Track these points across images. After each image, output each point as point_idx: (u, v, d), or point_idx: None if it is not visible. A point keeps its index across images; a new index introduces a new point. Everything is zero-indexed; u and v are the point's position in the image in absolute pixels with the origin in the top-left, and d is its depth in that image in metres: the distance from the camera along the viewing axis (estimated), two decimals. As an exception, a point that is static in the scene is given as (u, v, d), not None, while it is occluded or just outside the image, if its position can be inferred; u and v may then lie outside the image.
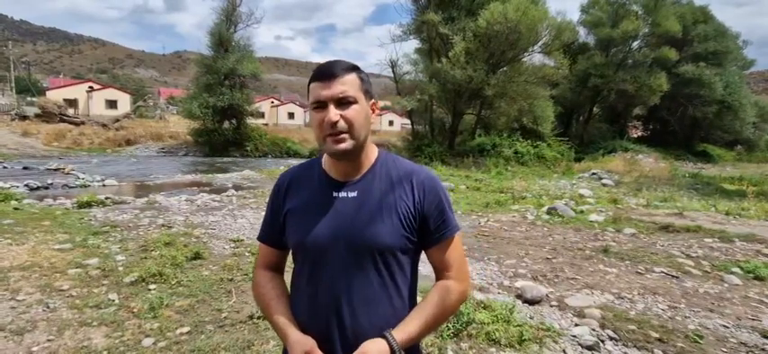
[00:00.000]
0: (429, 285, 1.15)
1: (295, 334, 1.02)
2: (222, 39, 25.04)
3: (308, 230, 1.05)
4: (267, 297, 1.12)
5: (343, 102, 0.98)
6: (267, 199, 1.21)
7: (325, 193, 1.07)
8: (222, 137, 24.83)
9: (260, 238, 1.19)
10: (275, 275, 1.18)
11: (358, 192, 1.06)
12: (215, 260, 4.49)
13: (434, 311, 1.04)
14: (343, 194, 1.06)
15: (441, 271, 1.11)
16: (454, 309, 1.10)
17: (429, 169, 1.15)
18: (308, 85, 1.03)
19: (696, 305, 3.57)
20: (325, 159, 1.12)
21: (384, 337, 0.98)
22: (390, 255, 1.03)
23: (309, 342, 0.99)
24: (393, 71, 23.97)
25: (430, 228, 1.07)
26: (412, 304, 1.10)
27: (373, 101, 1.07)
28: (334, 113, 0.97)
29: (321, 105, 0.99)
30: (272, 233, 1.16)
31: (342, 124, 0.98)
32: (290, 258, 1.20)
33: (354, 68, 1.02)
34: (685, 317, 3.33)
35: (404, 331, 1.00)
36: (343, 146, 0.99)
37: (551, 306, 3.52)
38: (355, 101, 1.00)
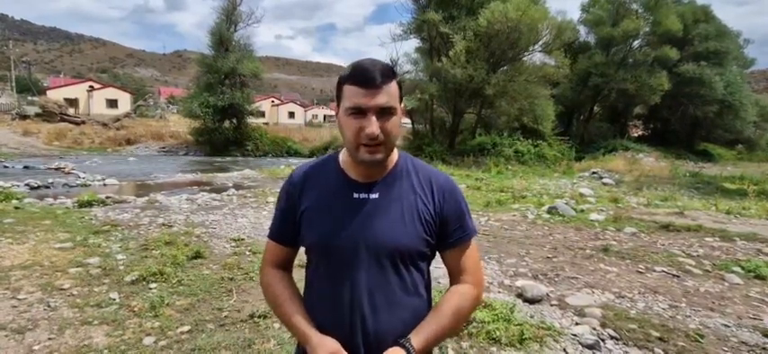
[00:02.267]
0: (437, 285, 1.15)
1: (317, 336, 1.00)
2: (223, 39, 25.05)
3: (328, 231, 1.03)
4: (281, 297, 1.09)
5: (384, 112, 0.95)
6: (277, 196, 1.18)
7: (345, 193, 1.05)
8: (222, 136, 24.85)
9: (271, 236, 1.16)
10: (286, 274, 1.15)
11: (379, 194, 1.04)
12: (215, 259, 4.49)
13: (450, 317, 1.03)
14: (363, 195, 1.04)
15: (456, 275, 1.11)
16: (469, 314, 1.10)
17: (447, 174, 1.15)
18: (342, 84, 0.98)
19: (697, 304, 3.56)
20: (343, 157, 1.10)
21: (402, 345, 0.96)
22: (410, 258, 1.03)
23: (335, 345, 0.97)
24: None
25: (448, 232, 1.08)
26: (429, 304, 1.10)
27: (402, 104, 1.05)
28: (375, 126, 0.94)
29: (361, 113, 0.95)
30: (285, 230, 1.12)
31: (381, 137, 0.95)
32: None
33: (394, 74, 0.98)
34: (686, 316, 3.33)
35: (421, 338, 0.99)
36: (377, 156, 0.98)
37: (552, 305, 3.52)
38: (395, 112, 0.97)
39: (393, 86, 0.97)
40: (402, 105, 1.05)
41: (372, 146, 0.96)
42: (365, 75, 0.94)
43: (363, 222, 1.01)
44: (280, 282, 1.12)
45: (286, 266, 1.17)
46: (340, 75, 1.00)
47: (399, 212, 1.03)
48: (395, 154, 1.09)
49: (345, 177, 1.06)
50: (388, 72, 0.97)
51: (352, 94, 0.95)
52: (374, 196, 1.03)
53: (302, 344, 1.04)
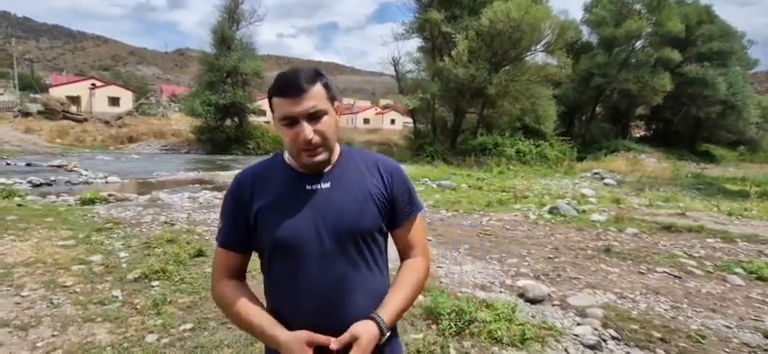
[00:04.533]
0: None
1: (285, 333, 0.99)
2: (224, 37, 25.08)
3: (287, 225, 1.03)
4: (240, 305, 1.06)
5: (314, 117, 0.99)
6: (221, 203, 1.15)
7: (298, 187, 1.06)
8: (224, 134, 24.89)
9: (223, 244, 1.10)
10: (242, 283, 1.13)
11: (330, 183, 1.07)
12: (217, 257, 4.49)
13: (410, 289, 1.11)
14: (316, 186, 1.06)
15: (407, 250, 1.18)
16: (423, 284, 1.18)
17: (389, 157, 1.22)
18: (271, 97, 1.01)
19: (698, 305, 3.56)
20: (288, 155, 1.11)
21: (372, 318, 1.01)
22: (371, 238, 1.08)
23: (303, 335, 0.97)
24: (395, 70, 23.99)
25: (398, 210, 1.14)
26: (388, 281, 1.16)
27: (337, 103, 1.07)
28: (308, 131, 0.98)
29: (292, 121, 0.99)
30: (238, 236, 1.09)
31: (316, 139, 1.00)
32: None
33: (317, 77, 1.01)
34: (688, 317, 3.33)
35: (388, 311, 1.04)
36: (318, 158, 1.02)
37: (553, 306, 3.52)
38: (325, 113, 1.00)
39: (317, 89, 1.00)
40: (337, 103, 1.06)
41: (311, 150, 1.01)
42: (288, 85, 0.99)
43: (319, 210, 1.04)
44: (236, 290, 1.08)
45: (240, 275, 1.15)
46: (269, 88, 1.04)
47: (352, 196, 1.07)
48: (337, 147, 1.12)
49: (294, 172, 1.08)
50: (311, 77, 1.00)
51: (281, 105, 1.00)
52: (326, 185, 1.07)
53: (271, 346, 1.02)
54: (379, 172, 1.12)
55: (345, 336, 0.97)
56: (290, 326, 1.01)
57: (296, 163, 1.08)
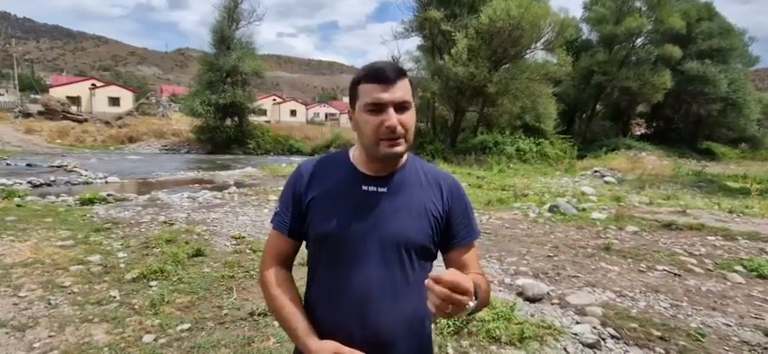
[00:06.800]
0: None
1: (316, 343, 0.99)
2: (224, 37, 25.07)
3: (336, 221, 1.04)
4: (280, 300, 1.07)
5: (401, 107, 0.99)
6: (283, 188, 1.15)
7: (354, 186, 1.06)
8: (224, 134, 24.88)
9: (276, 227, 1.12)
10: (287, 274, 1.14)
11: (388, 189, 1.06)
12: (216, 257, 4.49)
13: (484, 281, 1.03)
14: (372, 188, 1.05)
15: (462, 270, 1.08)
16: (489, 295, 1.11)
17: (454, 175, 1.19)
18: (356, 85, 1.01)
19: (698, 304, 3.55)
20: (353, 153, 1.11)
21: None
22: (416, 253, 1.05)
23: (332, 346, 0.97)
24: (395, 68, 23.87)
25: (453, 231, 1.10)
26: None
27: (415, 103, 1.08)
28: (395, 118, 0.98)
29: (379, 108, 0.98)
30: (292, 221, 1.10)
31: (400, 129, 0.99)
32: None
33: (405, 73, 1.03)
34: (687, 315, 3.32)
35: (476, 282, 0.93)
36: (398, 149, 1.00)
37: (552, 304, 3.51)
38: (410, 106, 1.02)
39: (406, 83, 1.01)
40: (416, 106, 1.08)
41: (393, 139, 0.99)
42: (381, 73, 0.99)
43: (371, 214, 1.03)
44: (281, 283, 1.09)
45: (287, 262, 1.15)
46: (354, 77, 1.04)
47: (407, 206, 1.05)
48: (405, 154, 1.10)
49: (355, 170, 1.08)
50: (400, 70, 1.02)
51: (370, 91, 0.98)
52: (383, 190, 1.05)
53: (302, 351, 1.03)
54: (439, 187, 1.10)
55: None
56: (321, 321, 1.03)
57: (362, 158, 1.07)
